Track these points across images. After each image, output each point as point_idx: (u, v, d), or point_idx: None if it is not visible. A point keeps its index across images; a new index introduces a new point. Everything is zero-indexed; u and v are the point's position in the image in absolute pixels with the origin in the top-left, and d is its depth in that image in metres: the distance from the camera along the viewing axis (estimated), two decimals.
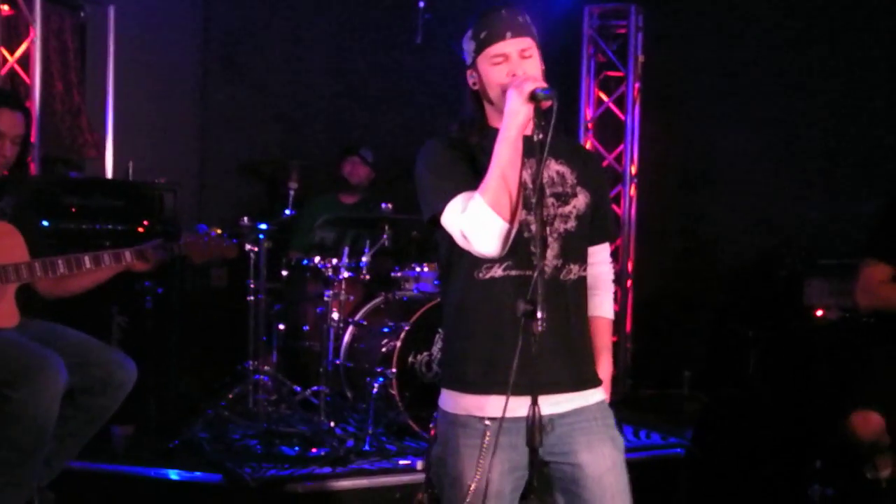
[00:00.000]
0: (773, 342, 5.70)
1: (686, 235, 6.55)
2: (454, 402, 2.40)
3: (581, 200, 2.44)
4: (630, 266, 6.50)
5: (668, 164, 6.53)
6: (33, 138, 4.91)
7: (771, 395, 5.44)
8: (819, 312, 5.49)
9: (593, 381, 2.46)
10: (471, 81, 2.44)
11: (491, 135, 2.34)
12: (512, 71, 2.35)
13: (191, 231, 3.75)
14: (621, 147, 6.50)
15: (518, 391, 2.15)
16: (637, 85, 6.45)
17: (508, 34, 2.36)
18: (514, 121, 2.25)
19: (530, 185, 2.31)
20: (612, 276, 2.62)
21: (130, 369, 3.50)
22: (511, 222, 2.24)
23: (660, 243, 6.59)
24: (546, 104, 2.24)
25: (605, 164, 6.52)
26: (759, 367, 5.72)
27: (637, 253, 6.53)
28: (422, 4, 4.98)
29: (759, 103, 6.30)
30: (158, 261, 3.62)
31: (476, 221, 2.24)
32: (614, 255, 6.47)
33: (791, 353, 5.56)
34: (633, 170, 6.50)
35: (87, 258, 3.48)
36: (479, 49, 2.38)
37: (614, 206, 6.47)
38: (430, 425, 2.49)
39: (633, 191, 6.51)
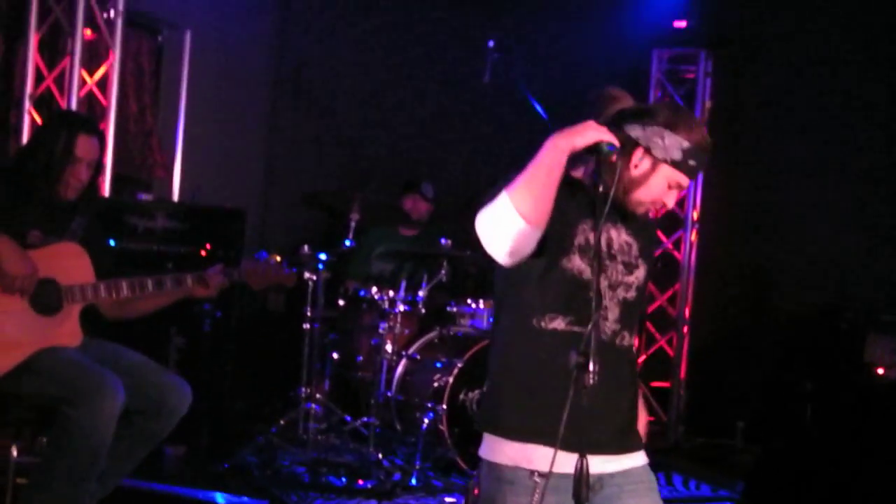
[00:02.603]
0: (831, 397, 5.60)
1: (746, 283, 6.48)
2: (498, 449, 2.36)
3: (641, 272, 2.44)
4: (687, 312, 6.45)
5: (731, 211, 6.47)
6: (105, 159, 5.05)
7: (826, 452, 5.33)
8: (880, 370, 5.39)
9: (637, 447, 2.45)
10: (614, 156, 2.27)
11: (583, 190, 2.37)
12: (668, 196, 2.35)
13: (250, 258, 3.81)
14: (684, 192, 6.46)
15: (566, 447, 2.14)
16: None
17: (699, 173, 2.40)
18: (567, 143, 2.19)
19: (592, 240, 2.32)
20: None
21: (185, 393, 3.55)
22: (531, 223, 2.17)
23: (719, 290, 6.52)
24: (609, 159, 2.25)
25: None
26: (816, 422, 5.61)
27: (695, 299, 6.48)
28: (491, 44, 5.02)
29: (827, 153, 6.22)
30: (219, 286, 3.67)
31: (495, 216, 2.19)
32: (672, 299, 6.47)
33: (849, 410, 5.45)
34: (695, 215, 6.45)
35: (150, 281, 3.54)
36: (667, 160, 2.31)
37: (674, 252, 6.44)
38: (473, 481, 2.48)
39: (693, 236, 6.46)
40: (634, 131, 2.33)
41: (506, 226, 2.18)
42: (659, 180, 2.34)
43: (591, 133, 2.22)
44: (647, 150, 2.33)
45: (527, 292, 2.33)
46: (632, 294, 2.41)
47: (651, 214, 2.40)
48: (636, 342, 2.50)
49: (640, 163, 2.34)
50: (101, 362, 3.44)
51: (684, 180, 2.34)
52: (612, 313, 2.37)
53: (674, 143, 2.31)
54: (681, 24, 6.29)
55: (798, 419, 5.68)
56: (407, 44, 6.65)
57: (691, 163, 2.31)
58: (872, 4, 6.08)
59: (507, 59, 5.07)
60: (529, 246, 2.21)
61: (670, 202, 2.38)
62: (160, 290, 3.56)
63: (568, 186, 2.33)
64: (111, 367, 3.42)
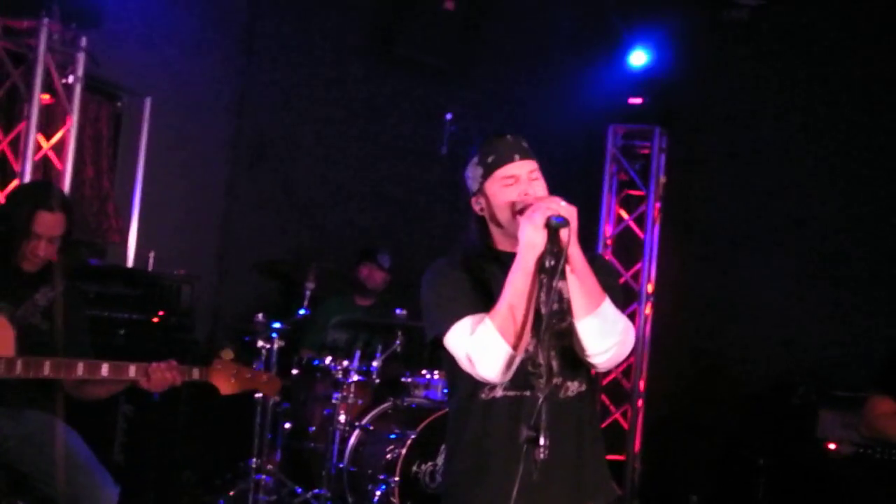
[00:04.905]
0: (784, 472, 5.61)
1: (700, 357, 6.52)
2: None
3: None
4: (642, 385, 6.46)
5: (685, 285, 6.53)
6: None
7: None
8: (832, 446, 5.42)
9: (593, 495, 2.46)
10: (477, 208, 2.47)
11: (499, 259, 2.38)
12: (524, 191, 2.39)
13: (223, 360, 3.49)
14: (639, 265, 6.52)
15: None
16: (658, 205, 6.51)
17: (517, 156, 2.42)
18: (530, 253, 2.26)
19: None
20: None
21: (106, 498, 3.36)
22: (517, 349, 2.25)
23: (673, 364, 6.55)
24: (560, 230, 2.27)
25: (621, 280, 6.50)
26: (768, 497, 5.62)
27: (649, 372, 6.50)
28: (449, 116, 5.10)
29: (780, 229, 6.32)
30: (166, 384, 3.38)
31: (483, 345, 2.26)
32: (627, 372, 6.49)
33: (801, 486, 5.46)
34: (650, 288, 6.50)
35: (80, 365, 3.32)
36: (488, 173, 2.42)
37: None
38: None
39: (648, 309, 6.50)
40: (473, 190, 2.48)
41: (496, 355, 2.26)
42: (497, 193, 2.42)
43: (537, 217, 2.25)
44: (472, 193, 2.47)
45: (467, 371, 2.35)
46: (566, 340, 2.39)
47: (527, 214, 2.30)
48: (587, 384, 2.47)
49: (478, 204, 2.47)
50: (27, 440, 3.33)
51: (507, 171, 2.41)
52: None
53: (471, 168, 2.46)
54: (636, 100, 6.42)
55: (751, 494, 5.68)
56: (366, 115, 6.70)
57: (490, 160, 2.43)
58: (823, 84, 6.24)
59: (464, 131, 5.15)
60: (516, 364, 2.28)
61: (531, 190, 2.40)
62: (93, 374, 3.34)
63: (495, 261, 2.37)
64: (37, 446, 3.31)
